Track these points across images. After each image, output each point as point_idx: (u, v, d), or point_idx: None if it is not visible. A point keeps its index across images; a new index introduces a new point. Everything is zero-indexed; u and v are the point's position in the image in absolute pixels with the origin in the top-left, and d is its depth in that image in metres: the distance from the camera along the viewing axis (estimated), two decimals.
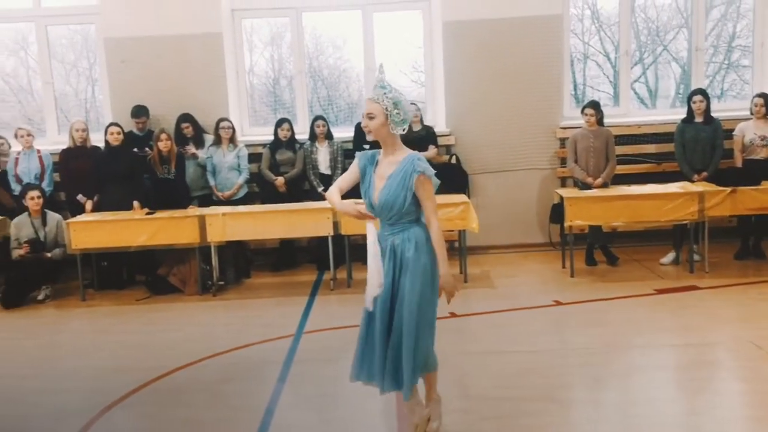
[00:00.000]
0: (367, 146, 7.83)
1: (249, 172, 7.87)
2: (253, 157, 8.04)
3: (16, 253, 6.99)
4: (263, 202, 7.81)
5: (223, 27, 8.34)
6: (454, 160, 8.27)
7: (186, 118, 7.95)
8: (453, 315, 5.97)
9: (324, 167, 7.88)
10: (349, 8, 8.75)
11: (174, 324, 6.29)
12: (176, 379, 4.90)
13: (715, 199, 6.82)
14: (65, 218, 7.19)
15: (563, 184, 8.27)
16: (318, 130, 7.89)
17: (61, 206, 7.74)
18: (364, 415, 4.23)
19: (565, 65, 8.49)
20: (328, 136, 7.94)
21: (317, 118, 7.97)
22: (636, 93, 9.32)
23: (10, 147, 7.98)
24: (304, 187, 7.93)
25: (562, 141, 8.24)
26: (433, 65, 8.57)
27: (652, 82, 9.61)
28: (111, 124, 7.59)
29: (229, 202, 7.66)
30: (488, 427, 4.00)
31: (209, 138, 7.97)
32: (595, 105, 7.45)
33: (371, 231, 3.65)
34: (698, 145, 7.42)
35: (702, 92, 7.49)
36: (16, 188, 7.63)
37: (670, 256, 7.42)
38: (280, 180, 7.75)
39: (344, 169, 7.95)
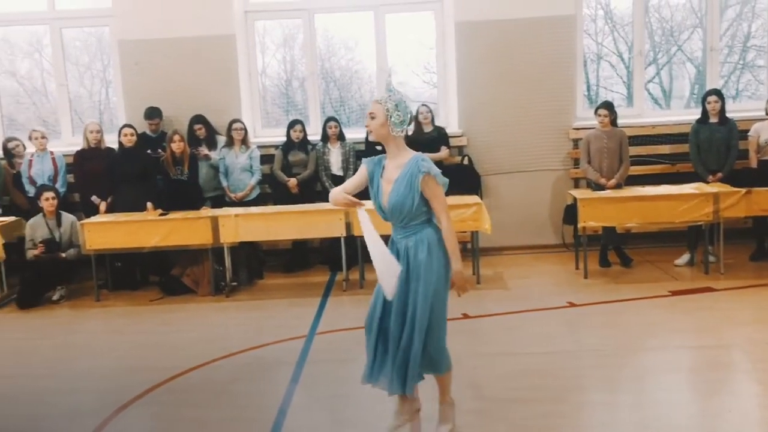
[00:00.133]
0: (380, 147, 7.86)
1: (261, 173, 7.89)
2: (266, 159, 8.06)
3: (31, 253, 7.03)
4: (276, 203, 7.83)
5: (235, 29, 8.37)
6: (466, 161, 8.25)
7: (199, 119, 7.99)
8: (466, 316, 5.96)
9: (336, 168, 7.89)
10: (361, 9, 8.76)
11: (187, 324, 6.31)
12: (190, 379, 4.92)
13: (730, 200, 6.77)
14: (79, 219, 7.23)
15: (576, 185, 8.23)
16: (330, 132, 7.90)
17: (75, 207, 7.79)
18: (376, 417, 4.22)
19: (578, 66, 8.46)
20: (341, 137, 7.95)
21: (329, 119, 7.98)
22: (650, 93, 9.26)
23: (25, 149, 8.05)
24: (317, 188, 7.94)
25: (575, 142, 8.20)
26: (446, 66, 8.56)
27: (666, 82, 9.55)
28: (124, 126, 7.63)
29: (242, 203, 7.68)
30: (501, 428, 3.99)
31: (222, 139, 8.00)
32: (608, 106, 7.42)
33: (364, 218, 3.68)
34: (713, 145, 7.36)
35: (717, 92, 7.44)
36: (30, 190, 7.69)
37: (685, 258, 7.37)
38: (292, 181, 7.76)
39: (356, 171, 7.95)
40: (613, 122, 7.40)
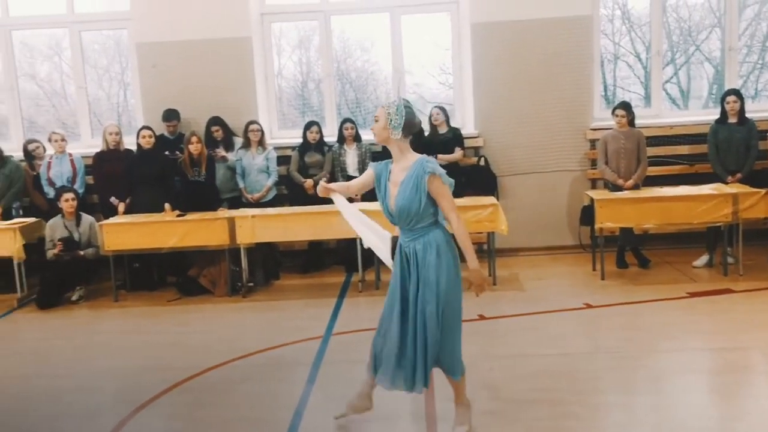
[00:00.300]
0: None
1: (278, 174, 7.92)
2: (282, 160, 8.09)
3: (51, 253, 7.11)
4: (292, 205, 7.86)
5: (252, 31, 8.41)
6: (482, 162, 8.23)
7: (216, 121, 8.04)
8: (482, 317, 5.95)
9: (352, 169, 7.90)
10: (377, 11, 8.77)
11: (204, 325, 6.35)
12: (207, 379, 4.95)
13: (749, 201, 6.70)
14: (98, 220, 7.30)
15: (593, 186, 8.19)
16: (346, 133, 7.92)
17: (93, 208, 7.86)
18: (392, 417, 4.23)
19: (595, 66, 8.41)
20: (357, 138, 7.96)
21: (345, 120, 8.00)
22: (668, 94, 9.19)
23: (44, 151, 8.13)
24: None
25: (593, 142, 8.16)
26: (462, 67, 8.55)
27: (684, 82, 9.48)
28: (143, 128, 7.70)
29: (259, 204, 7.72)
30: (517, 429, 3.98)
31: (239, 141, 8.04)
32: (626, 106, 7.38)
33: (340, 202, 3.91)
34: (732, 146, 7.30)
35: (736, 92, 7.37)
36: (49, 192, 7.77)
37: (704, 259, 7.30)
38: (308, 182, 7.79)
39: None
40: (631, 123, 7.36)
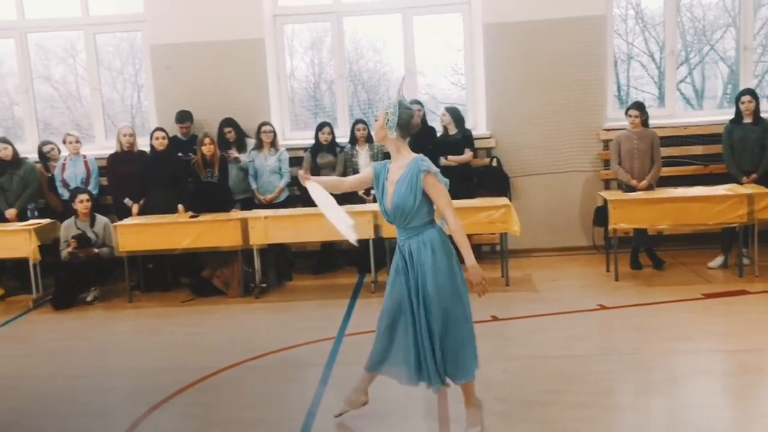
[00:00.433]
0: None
1: (290, 175, 7.94)
2: (294, 161, 8.11)
3: (65, 252, 7.15)
4: (304, 206, 7.85)
5: (264, 32, 8.44)
6: (495, 163, 8.22)
7: (228, 122, 8.07)
8: (495, 318, 5.94)
9: (364, 170, 7.90)
10: (389, 12, 8.77)
11: (217, 326, 6.38)
12: (220, 379, 4.97)
13: (764, 202, 6.65)
14: (112, 221, 7.35)
15: (607, 187, 8.15)
16: (359, 134, 7.92)
17: (108, 210, 7.91)
18: (405, 417, 4.23)
19: (609, 66, 8.37)
20: (369, 139, 7.97)
21: (358, 121, 8.01)
22: (682, 93, 9.14)
23: (59, 152, 8.20)
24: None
25: (606, 143, 8.12)
26: (474, 68, 8.53)
27: (699, 82, 9.42)
28: (156, 129, 7.75)
29: (271, 205, 7.74)
30: (530, 431, 3.96)
31: (251, 142, 8.07)
32: (639, 106, 7.34)
33: (313, 187, 4.10)
34: (747, 146, 7.25)
35: (751, 92, 7.32)
36: (64, 193, 7.83)
37: (719, 260, 7.25)
38: None
39: None
40: (644, 123, 7.32)
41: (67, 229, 7.24)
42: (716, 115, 8.40)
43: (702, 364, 4.87)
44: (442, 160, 7.82)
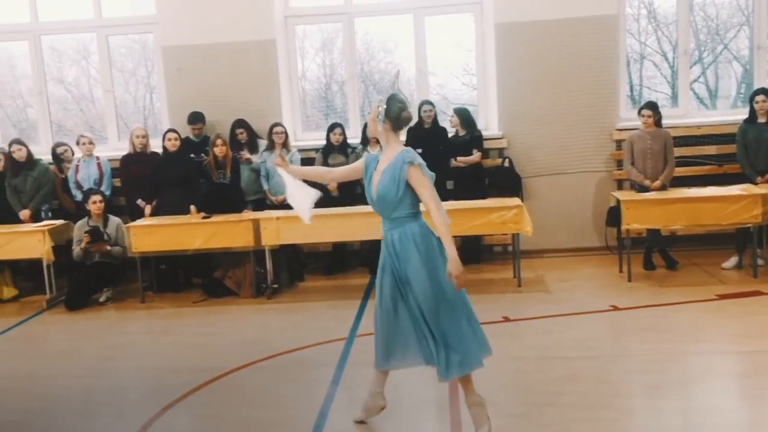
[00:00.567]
0: (420, 150, 7.87)
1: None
2: (306, 162, 8.11)
3: (78, 248, 7.16)
4: (317, 207, 7.85)
5: (276, 33, 8.45)
6: (507, 163, 8.20)
7: (240, 123, 8.09)
8: (507, 319, 5.92)
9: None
10: (401, 12, 8.77)
11: (229, 326, 6.39)
12: (233, 379, 4.98)
13: None
14: (125, 222, 7.39)
15: (620, 187, 8.11)
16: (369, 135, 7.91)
17: (120, 211, 7.95)
18: (416, 418, 4.22)
19: (621, 66, 8.33)
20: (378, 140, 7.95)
21: None
22: (695, 93, 9.07)
23: (73, 154, 8.25)
24: (357, 191, 7.95)
25: (618, 143, 8.08)
26: (485, 68, 8.51)
27: (712, 81, 9.35)
28: (168, 131, 7.77)
29: (283, 206, 7.73)
30: None
31: (263, 143, 8.09)
32: (652, 106, 7.30)
33: (283, 174, 4.22)
34: (761, 145, 7.19)
35: (765, 91, 7.26)
36: (77, 194, 7.88)
37: (733, 261, 7.19)
38: (332, 184, 7.80)
39: None
40: (657, 123, 7.28)
41: (80, 228, 7.28)
42: (730, 114, 8.35)
43: (716, 365, 4.84)
44: (453, 162, 7.82)
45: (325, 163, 7.92)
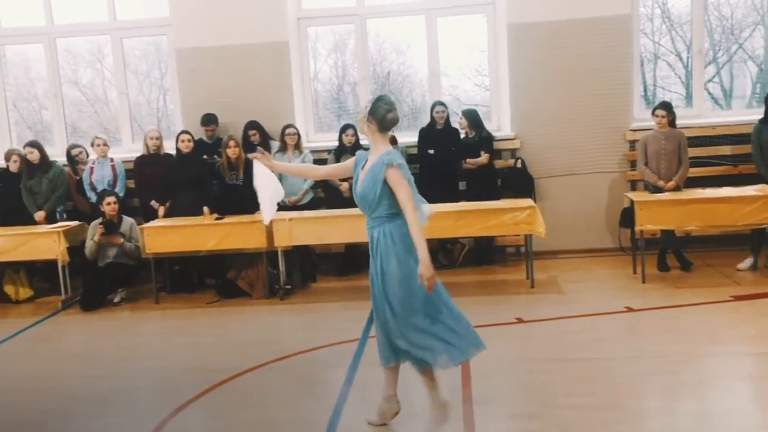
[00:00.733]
0: (431, 151, 7.88)
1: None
2: (318, 163, 8.12)
3: (91, 242, 7.19)
4: (329, 208, 7.89)
5: (289, 35, 8.48)
6: (519, 164, 8.17)
7: (253, 125, 8.12)
8: (520, 321, 5.90)
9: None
10: (413, 13, 8.77)
11: (243, 327, 6.42)
12: (246, 380, 5.00)
13: None
14: (139, 224, 7.43)
15: (633, 188, 8.06)
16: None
17: (134, 212, 7.99)
18: (430, 418, 4.21)
19: (635, 66, 8.28)
20: (392, 141, 7.95)
21: None
22: (710, 93, 9.01)
23: (87, 156, 8.31)
24: None
25: (632, 143, 8.03)
26: (498, 68, 8.50)
27: (727, 81, 9.28)
28: (182, 132, 7.81)
29: (296, 207, 7.76)
30: None
31: (275, 144, 8.11)
32: (666, 106, 7.26)
33: (257, 166, 4.31)
34: None
35: None
36: (91, 196, 7.93)
37: (748, 262, 7.13)
38: (345, 185, 7.81)
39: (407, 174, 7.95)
40: (672, 123, 7.24)
41: (94, 227, 7.32)
42: (745, 114, 8.29)
43: (731, 367, 4.80)
44: (463, 164, 7.82)
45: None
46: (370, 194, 3.82)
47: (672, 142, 7.17)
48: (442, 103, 8.03)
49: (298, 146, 7.92)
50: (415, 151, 8.01)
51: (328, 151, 8.13)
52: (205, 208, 7.52)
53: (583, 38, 8.02)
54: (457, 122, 8.01)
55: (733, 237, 7.63)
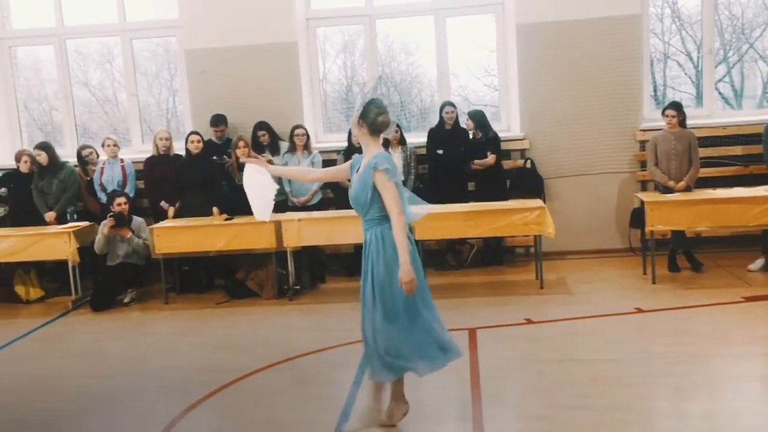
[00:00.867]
0: (440, 151, 7.87)
1: None
2: (327, 163, 8.11)
3: (101, 236, 7.21)
4: (337, 208, 7.89)
5: (298, 36, 8.49)
6: (528, 165, 8.16)
7: (262, 125, 8.13)
8: (529, 321, 5.89)
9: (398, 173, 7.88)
10: (422, 14, 8.77)
11: (252, 327, 6.42)
12: (255, 380, 5.01)
13: None
14: (148, 224, 7.45)
15: (644, 188, 8.03)
16: (391, 136, 7.89)
17: (144, 212, 8.02)
18: (438, 419, 4.21)
19: (645, 66, 8.24)
20: (401, 141, 7.96)
21: None
22: (720, 93, 8.96)
23: (98, 156, 8.34)
24: None
25: (642, 143, 8.00)
26: (507, 69, 8.48)
27: (737, 81, 9.23)
28: (191, 133, 7.84)
29: (304, 207, 7.77)
30: None
31: (284, 145, 8.12)
32: (676, 106, 7.22)
33: (247, 169, 4.42)
34: None
35: None
36: (102, 196, 7.96)
37: (759, 263, 7.09)
38: None
39: (417, 175, 7.96)
40: (682, 123, 7.20)
41: (104, 226, 7.35)
42: (756, 114, 8.26)
43: (742, 368, 4.77)
44: (472, 165, 7.81)
45: None
46: (361, 197, 3.85)
47: (682, 142, 7.13)
48: (451, 104, 8.02)
49: (307, 147, 7.93)
50: (424, 151, 8.00)
51: (337, 152, 8.14)
52: (215, 209, 7.54)
53: (593, 38, 8.00)
54: (465, 123, 8.00)
55: (744, 237, 7.59)
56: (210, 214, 7.54)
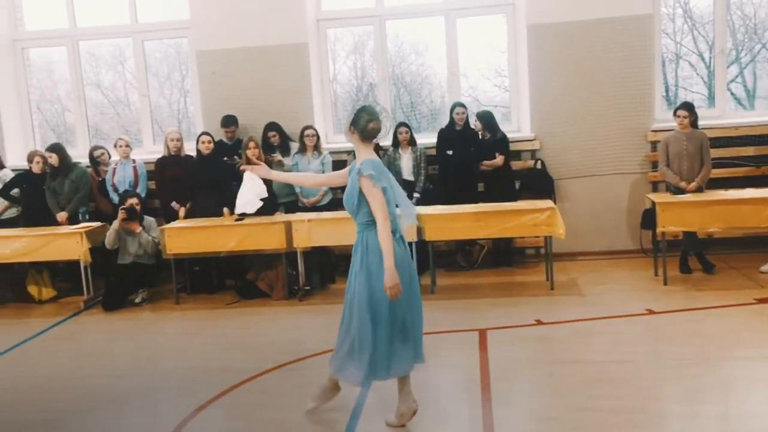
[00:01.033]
0: (450, 152, 7.86)
1: None
2: (338, 164, 8.13)
3: (111, 230, 7.24)
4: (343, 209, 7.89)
5: (308, 37, 8.51)
6: (539, 165, 8.14)
7: (272, 126, 8.16)
8: (539, 323, 5.87)
9: (407, 173, 7.90)
10: (432, 14, 8.77)
11: (262, 327, 6.44)
12: (265, 380, 5.02)
13: None
14: (159, 225, 7.49)
15: (655, 189, 7.99)
16: (401, 137, 7.93)
17: (155, 213, 8.06)
18: (448, 419, 4.21)
19: (656, 66, 8.21)
20: (411, 142, 7.96)
21: (400, 124, 8.01)
22: (732, 93, 8.91)
23: (110, 157, 8.39)
24: None
25: (654, 144, 7.97)
26: (518, 69, 8.47)
27: (750, 81, 9.17)
28: (202, 134, 7.87)
29: (315, 208, 7.79)
30: None
31: (295, 146, 8.14)
32: (688, 107, 7.19)
33: (247, 176, 4.70)
34: None
35: None
36: (114, 197, 8.01)
37: None
38: None
39: (427, 176, 7.97)
40: (693, 124, 7.17)
41: (116, 222, 7.37)
42: None
43: (754, 370, 4.73)
44: (481, 167, 7.80)
45: None
46: (350, 201, 3.93)
47: (694, 142, 7.10)
48: (461, 104, 8.01)
49: (317, 147, 7.94)
50: (434, 152, 8.00)
51: (347, 153, 8.15)
52: (225, 209, 7.57)
53: (604, 38, 7.97)
54: (473, 124, 7.99)
55: (756, 239, 7.55)
56: (221, 214, 7.56)
